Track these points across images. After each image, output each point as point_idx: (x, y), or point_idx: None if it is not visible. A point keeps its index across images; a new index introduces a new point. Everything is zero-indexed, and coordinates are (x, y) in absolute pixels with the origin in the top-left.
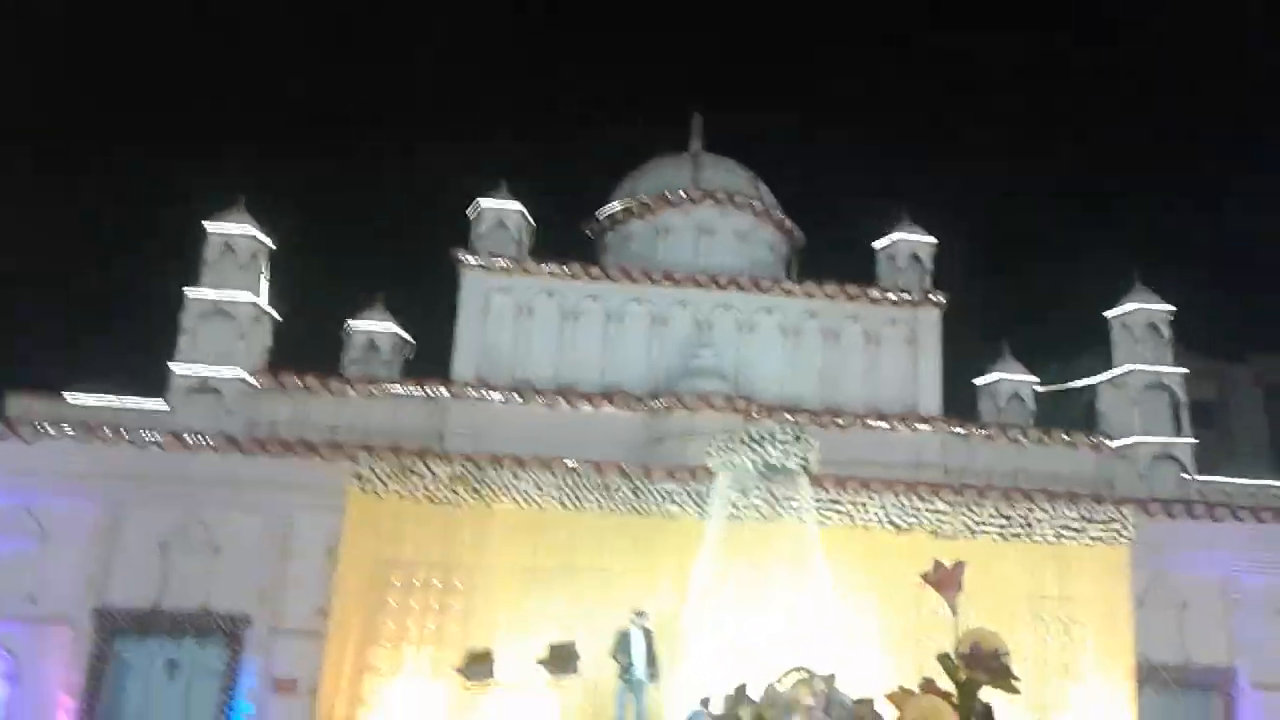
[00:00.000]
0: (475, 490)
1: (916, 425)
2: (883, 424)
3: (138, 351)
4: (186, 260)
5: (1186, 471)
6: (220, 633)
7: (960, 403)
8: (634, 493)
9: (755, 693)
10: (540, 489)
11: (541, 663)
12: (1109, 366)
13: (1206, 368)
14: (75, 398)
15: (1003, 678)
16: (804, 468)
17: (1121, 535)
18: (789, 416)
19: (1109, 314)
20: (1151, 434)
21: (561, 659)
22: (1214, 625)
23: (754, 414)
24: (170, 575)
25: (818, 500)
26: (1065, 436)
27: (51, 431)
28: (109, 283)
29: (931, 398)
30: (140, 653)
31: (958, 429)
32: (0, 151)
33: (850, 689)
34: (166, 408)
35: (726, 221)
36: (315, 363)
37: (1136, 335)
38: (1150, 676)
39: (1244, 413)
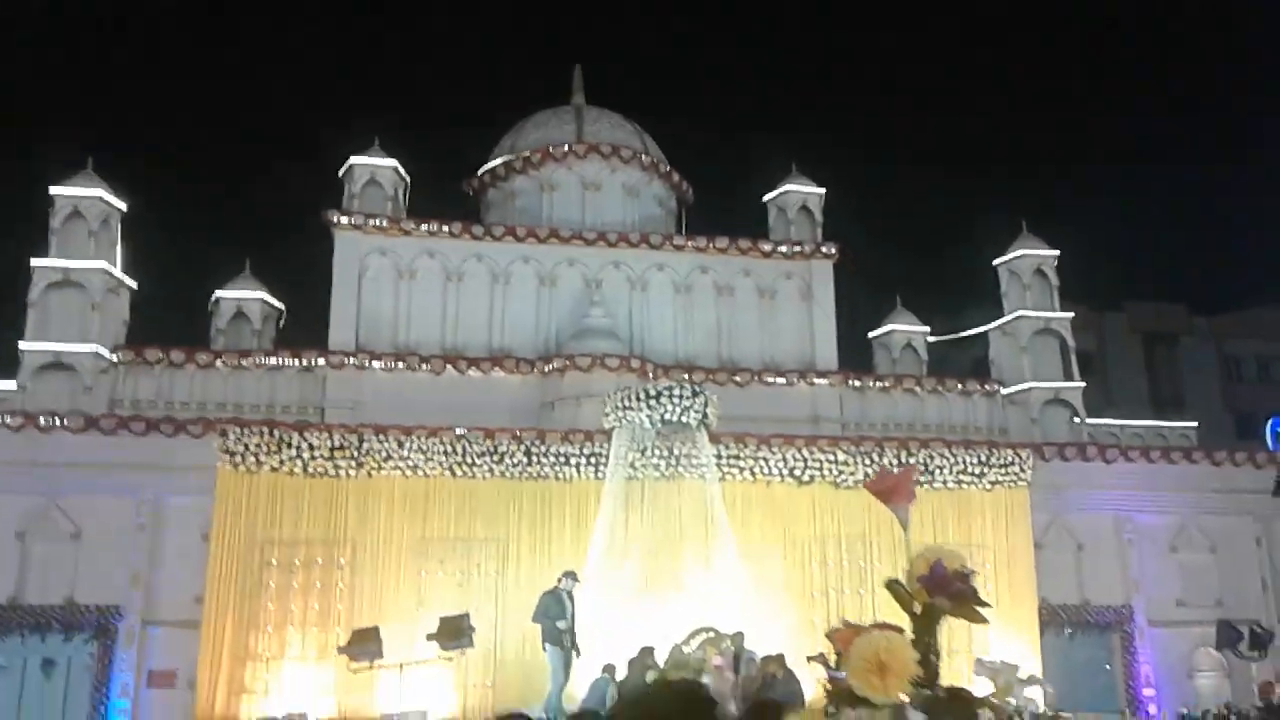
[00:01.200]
0: (357, 462)
1: (814, 379)
2: (780, 379)
3: None
4: (33, 229)
5: (1077, 415)
6: (89, 626)
7: (856, 355)
8: (527, 457)
9: (661, 655)
10: (427, 458)
11: (432, 638)
12: (1000, 315)
13: (1085, 316)
14: None
15: (968, 604)
16: (703, 424)
17: (1020, 478)
18: (685, 375)
19: (997, 262)
20: (1042, 379)
21: (453, 632)
22: (1110, 565)
23: (649, 373)
24: (29, 566)
25: (718, 457)
26: (960, 385)
27: None
28: None
29: (827, 351)
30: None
31: (854, 382)
32: None
33: (758, 645)
34: (16, 387)
35: (614, 176)
36: (181, 335)
37: (1025, 282)
38: (1051, 618)
39: (1121, 360)
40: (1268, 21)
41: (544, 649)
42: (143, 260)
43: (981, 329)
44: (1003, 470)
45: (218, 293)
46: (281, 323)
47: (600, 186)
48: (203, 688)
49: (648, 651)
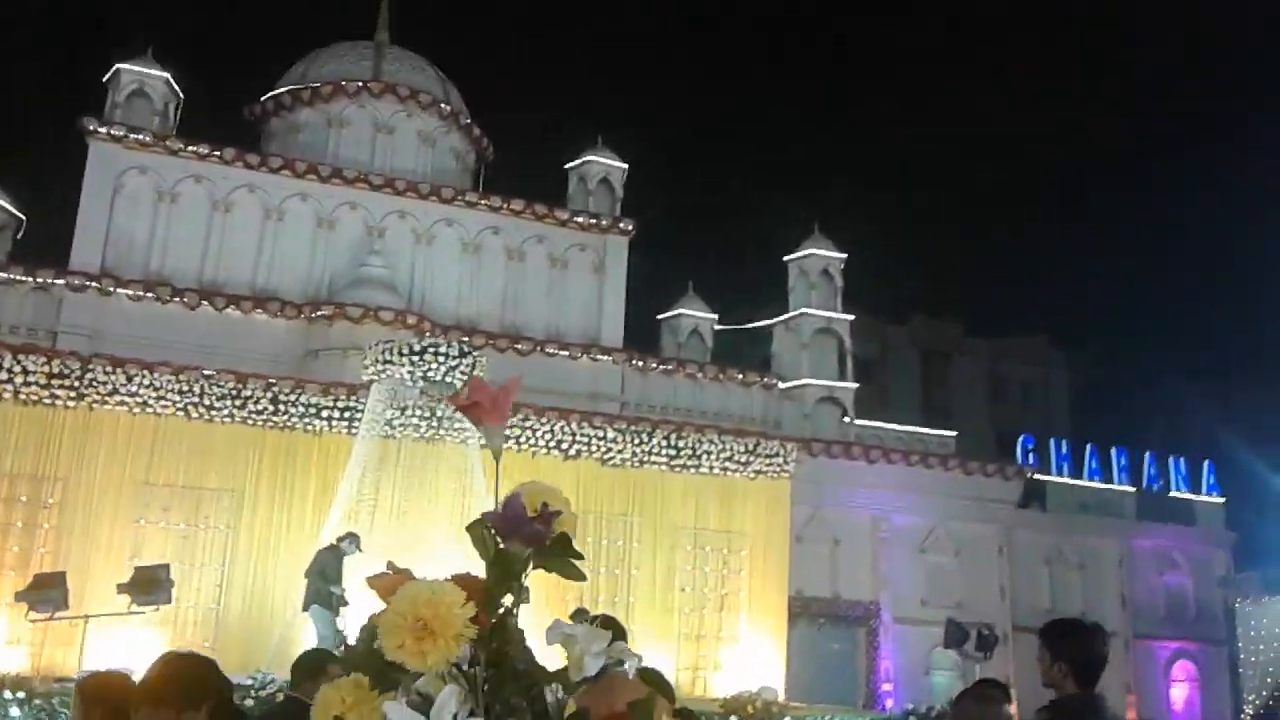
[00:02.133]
0: (78, 393)
1: (597, 355)
2: (563, 352)
3: None
4: None
5: (847, 415)
6: None
7: (643, 335)
8: (274, 405)
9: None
10: (159, 395)
11: (124, 589)
12: (787, 310)
13: (870, 326)
14: None
15: (554, 553)
16: (445, 380)
17: (783, 470)
18: (465, 338)
19: (787, 258)
20: (818, 377)
21: (147, 584)
22: (863, 561)
23: (426, 331)
24: None
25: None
26: (739, 375)
27: None
28: None
29: (614, 328)
30: None
31: (637, 362)
32: None
33: None
34: None
35: (410, 122)
36: None
37: (811, 280)
38: (804, 609)
39: (901, 371)
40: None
41: (307, 610)
42: None
43: (766, 322)
44: (767, 461)
45: None
46: (20, 235)
47: (393, 130)
48: None
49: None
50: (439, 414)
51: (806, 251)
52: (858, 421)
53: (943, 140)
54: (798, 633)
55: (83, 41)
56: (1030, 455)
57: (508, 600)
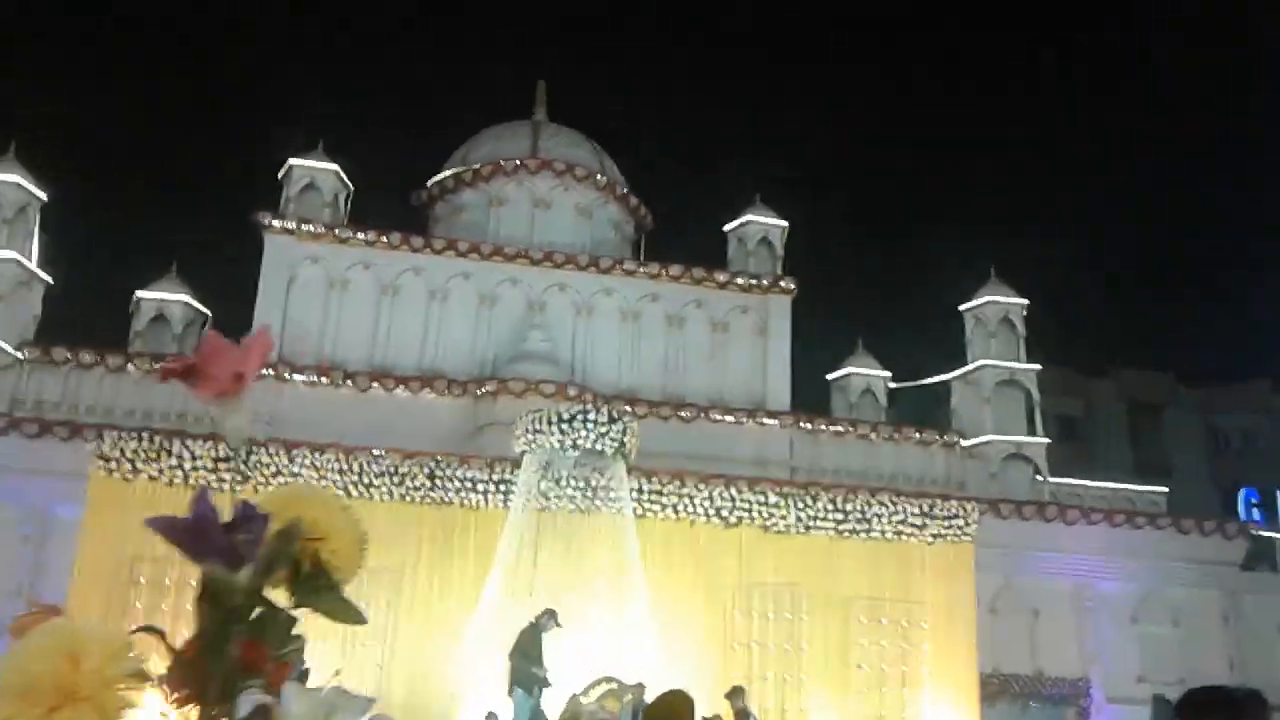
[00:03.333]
0: (242, 475)
1: (763, 420)
2: (728, 417)
3: None
4: None
5: (1040, 473)
6: None
7: (812, 396)
8: (430, 481)
9: (556, 707)
10: (320, 475)
11: None
12: (965, 362)
13: (1071, 381)
14: None
15: (310, 587)
16: (619, 453)
17: (964, 532)
18: (627, 406)
19: (963, 307)
20: (1004, 433)
21: None
22: (1066, 634)
23: (587, 402)
24: None
25: (639, 491)
26: (916, 434)
27: None
28: None
29: (780, 390)
30: None
31: (806, 424)
32: None
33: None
34: None
35: (567, 195)
36: (102, 337)
37: (990, 330)
38: (1003, 688)
39: (1107, 427)
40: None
41: (510, 693)
42: (65, 256)
43: (943, 377)
44: (946, 523)
45: (138, 293)
46: (206, 328)
47: (551, 205)
48: None
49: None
50: (593, 484)
51: (984, 299)
52: (1052, 480)
53: (1128, 173)
54: (998, 712)
55: (255, 139)
56: (1255, 511)
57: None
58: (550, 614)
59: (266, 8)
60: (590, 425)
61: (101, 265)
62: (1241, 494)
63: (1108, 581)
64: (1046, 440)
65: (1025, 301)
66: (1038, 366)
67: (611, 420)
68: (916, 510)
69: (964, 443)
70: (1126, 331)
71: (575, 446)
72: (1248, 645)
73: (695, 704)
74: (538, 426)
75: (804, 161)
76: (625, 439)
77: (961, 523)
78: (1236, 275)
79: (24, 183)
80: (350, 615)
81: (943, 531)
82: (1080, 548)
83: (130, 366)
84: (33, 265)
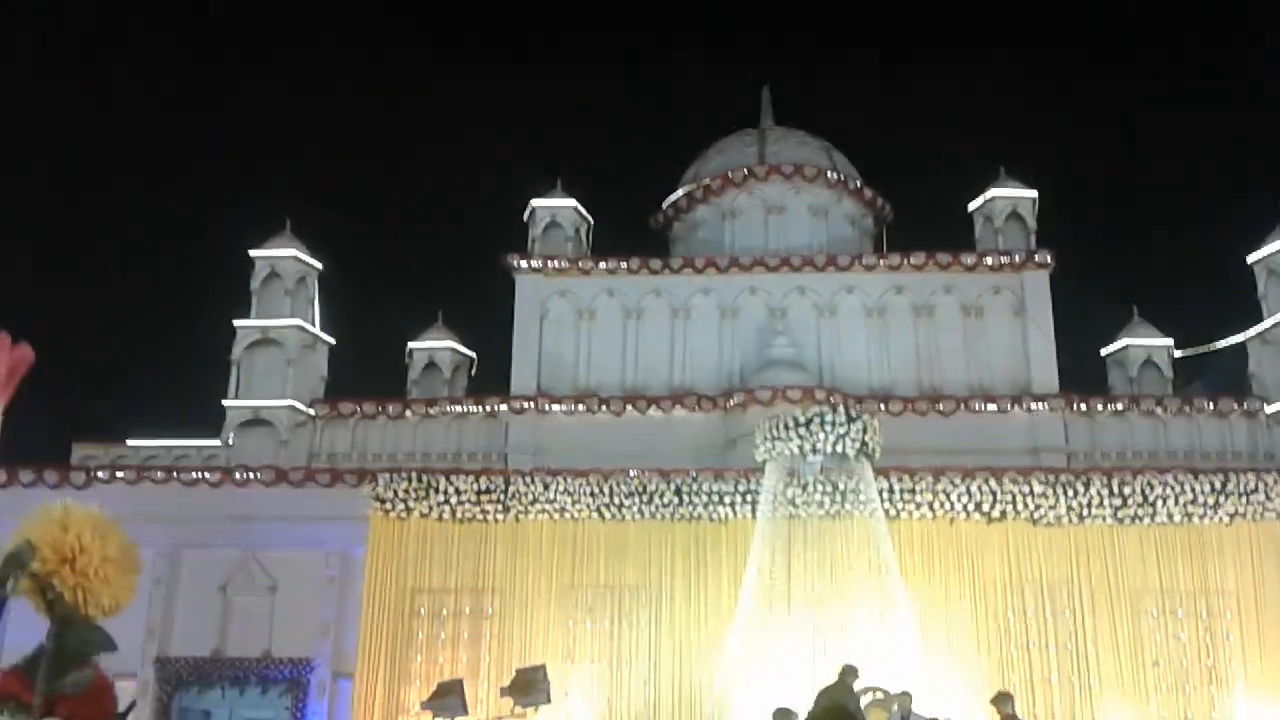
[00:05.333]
0: (504, 505)
1: (1031, 405)
2: (991, 406)
3: (196, 389)
4: (235, 289)
5: None
6: (283, 679)
7: (1086, 375)
8: (679, 497)
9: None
10: (574, 500)
11: (505, 692)
12: (1259, 320)
13: None
14: (136, 441)
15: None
16: (864, 453)
17: (1268, 508)
18: (880, 405)
19: (1251, 258)
20: None
21: (526, 687)
22: None
23: (838, 404)
24: (230, 620)
25: (889, 491)
26: (1210, 404)
27: (103, 476)
28: (160, 321)
29: (1046, 372)
30: (201, 703)
31: (1080, 405)
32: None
33: (934, 708)
34: (221, 444)
35: (799, 197)
36: (381, 389)
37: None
38: None
39: None
40: None
41: None
42: (342, 317)
43: (1237, 338)
44: (1244, 500)
45: (410, 344)
46: (473, 371)
47: (784, 209)
48: None
49: (784, 712)
50: (841, 487)
51: (1277, 245)
52: None
53: None
54: None
55: (496, 182)
56: None
57: None
58: (852, 670)
59: (488, 50)
60: (829, 427)
61: (375, 323)
62: None
63: None
64: None
65: None
66: None
67: (850, 420)
68: (1207, 488)
69: (1269, 409)
70: None
71: (815, 450)
72: None
73: None
74: (776, 434)
75: (1050, 127)
76: (867, 438)
77: (1263, 497)
78: None
79: (301, 255)
80: (94, 643)
81: (1241, 509)
82: None
83: (408, 413)
84: (316, 329)
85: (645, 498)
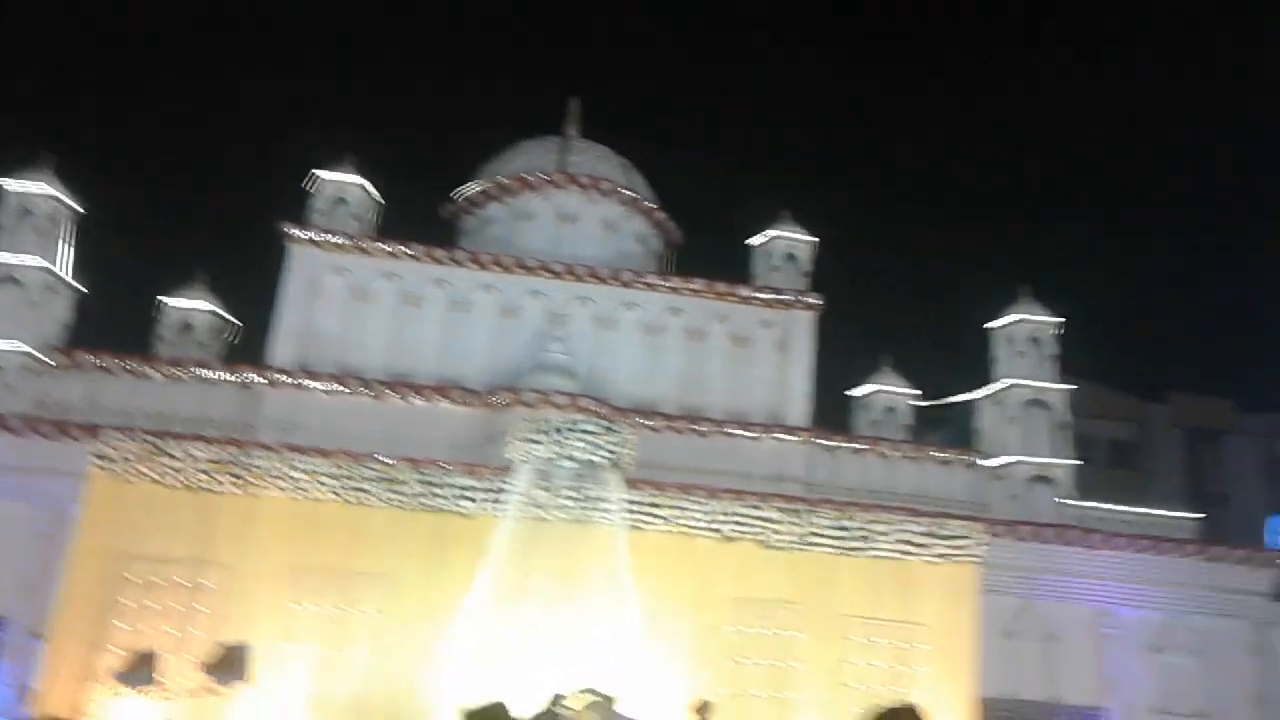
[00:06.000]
0: (237, 478)
1: (780, 435)
2: (745, 433)
3: None
4: None
5: (1063, 495)
6: None
7: (835, 414)
8: (428, 488)
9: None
10: (315, 480)
11: (205, 668)
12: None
13: (1126, 405)
14: None
15: None
16: (613, 464)
17: (970, 554)
18: (642, 420)
19: (991, 325)
20: (1029, 454)
21: (226, 664)
22: (1084, 660)
23: (601, 415)
24: None
25: (637, 504)
26: (935, 453)
27: None
28: None
29: (799, 406)
30: None
31: (823, 441)
32: None
33: (643, 713)
34: None
35: (593, 210)
36: (136, 346)
37: (1018, 348)
38: (1013, 714)
39: (1163, 453)
40: None
41: None
42: (99, 266)
43: (968, 396)
44: (951, 543)
45: (163, 300)
46: (235, 338)
47: (577, 219)
48: (44, 706)
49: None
50: (589, 495)
51: (1014, 317)
52: (1082, 503)
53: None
54: None
55: (286, 148)
56: None
57: None
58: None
59: (302, 18)
60: (584, 435)
61: (134, 275)
62: (1270, 521)
63: (1129, 608)
64: (1075, 462)
65: (1057, 320)
66: (1069, 387)
67: (607, 431)
68: (920, 529)
69: (985, 462)
70: (1184, 355)
71: (569, 457)
72: (1274, 678)
73: None
74: (531, 436)
75: (836, 178)
76: (620, 450)
77: (967, 543)
78: None
79: (58, 194)
80: None
81: (948, 552)
82: (1101, 573)
83: (152, 371)
84: (62, 273)
85: (390, 485)
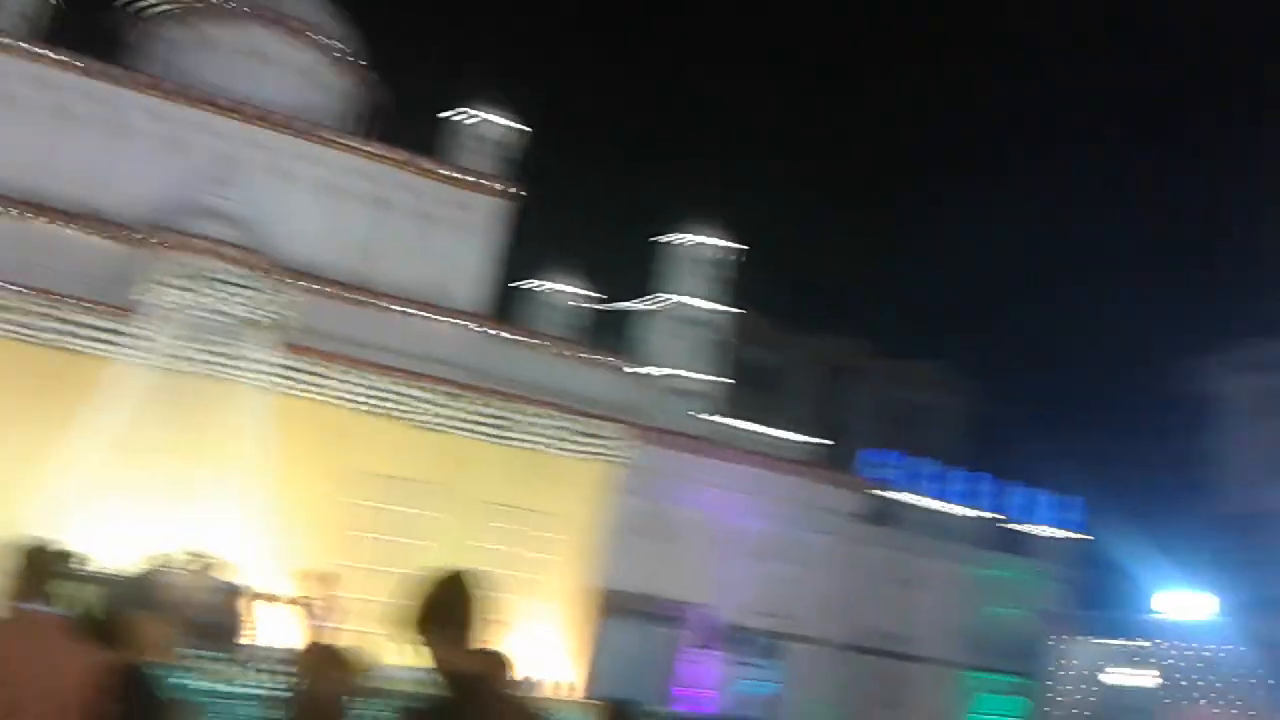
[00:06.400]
0: None
1: (446, 318)
2: (413, 310)
3: None
4: None
5: (707, 410)
6: None
7: (514, 305)
8: (60, 325)
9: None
10: None
11: None
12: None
13: (777, 336)
14: None
15: None
16: (274, 324)
17: (612, 454)
18: (310, 283)
19: (662, 239)
20: (684, 368)
21: None
22: (700, 563)
23: (266, 272)
24: None
25: (289, 369)
26: (585, 354)
27: None
28: None
29: (473, 291)
30: None
31: (488, 329)
32: None
33: (254, 580)
34: None
35: (287, 51)
36: None
37: (689, 269)
38: (621, 604)
39: (801, 382)
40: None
41: None
42: None
43: (632, 305)
44: (588, 441)
45: None
46: None
47: (267, 58)
48: None
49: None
50: (234, 354)
51: (689, 238)
52: (723, 420)
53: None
54: (613, 628)
55: None
56: (893, 473)
57: None
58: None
59: None
60: (237, 290)
61: None
62: (860, 455)
63: (744, 519)
64: (723, 380)
65: (725, 244)
66: (734, 310)
67: (265, 289)
68: (563, 426)
69: (638, 370)
70: (834, 297)
71: (219, 311)
72: (861, 591)
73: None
74: (174, 281)
75: (573, 76)
76: (281, 311)
77: (612, 444)
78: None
79: None
80: None
81: (593, 450)
82: (727, 485)
83: None
84: None
85: (4, 311)
